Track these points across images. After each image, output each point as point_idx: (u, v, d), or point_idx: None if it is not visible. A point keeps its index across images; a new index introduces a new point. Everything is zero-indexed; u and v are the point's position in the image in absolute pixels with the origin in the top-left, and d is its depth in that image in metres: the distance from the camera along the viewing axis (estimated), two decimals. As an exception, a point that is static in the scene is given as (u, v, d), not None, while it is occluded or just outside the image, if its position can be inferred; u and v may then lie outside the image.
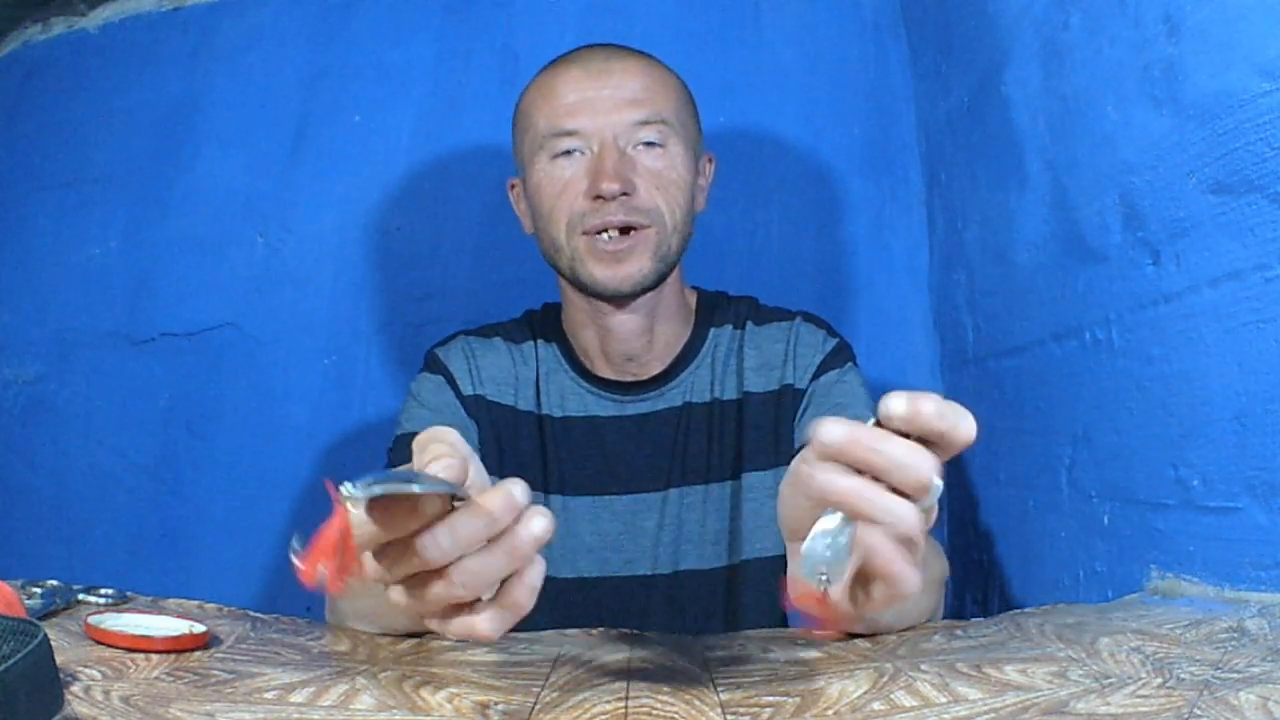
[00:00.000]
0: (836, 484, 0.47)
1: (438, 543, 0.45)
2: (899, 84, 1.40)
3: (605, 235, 0.88)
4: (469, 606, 0.48)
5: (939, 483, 0.47)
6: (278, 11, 1.46)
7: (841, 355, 0.96)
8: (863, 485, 0.47)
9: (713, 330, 0.98)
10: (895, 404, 0.46)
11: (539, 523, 0.47)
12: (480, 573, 0.46)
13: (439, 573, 0.46)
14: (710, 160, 0.99)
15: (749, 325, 0.98)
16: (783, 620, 0.95)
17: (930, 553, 0.75)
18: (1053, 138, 0.94)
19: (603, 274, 0.89)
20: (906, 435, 0.47)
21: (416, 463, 0.48)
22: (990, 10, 1.06)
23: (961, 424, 0.46)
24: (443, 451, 0.47)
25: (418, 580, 0.47)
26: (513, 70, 1.39)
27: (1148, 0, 0.75)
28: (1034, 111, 0.97)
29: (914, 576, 0.49)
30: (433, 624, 0.49)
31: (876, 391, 1.07)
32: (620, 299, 0.91)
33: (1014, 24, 1.01)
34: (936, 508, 0.49)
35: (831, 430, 0.47)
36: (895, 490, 0.47)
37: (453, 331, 1.01)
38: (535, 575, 0.48)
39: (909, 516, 0.47)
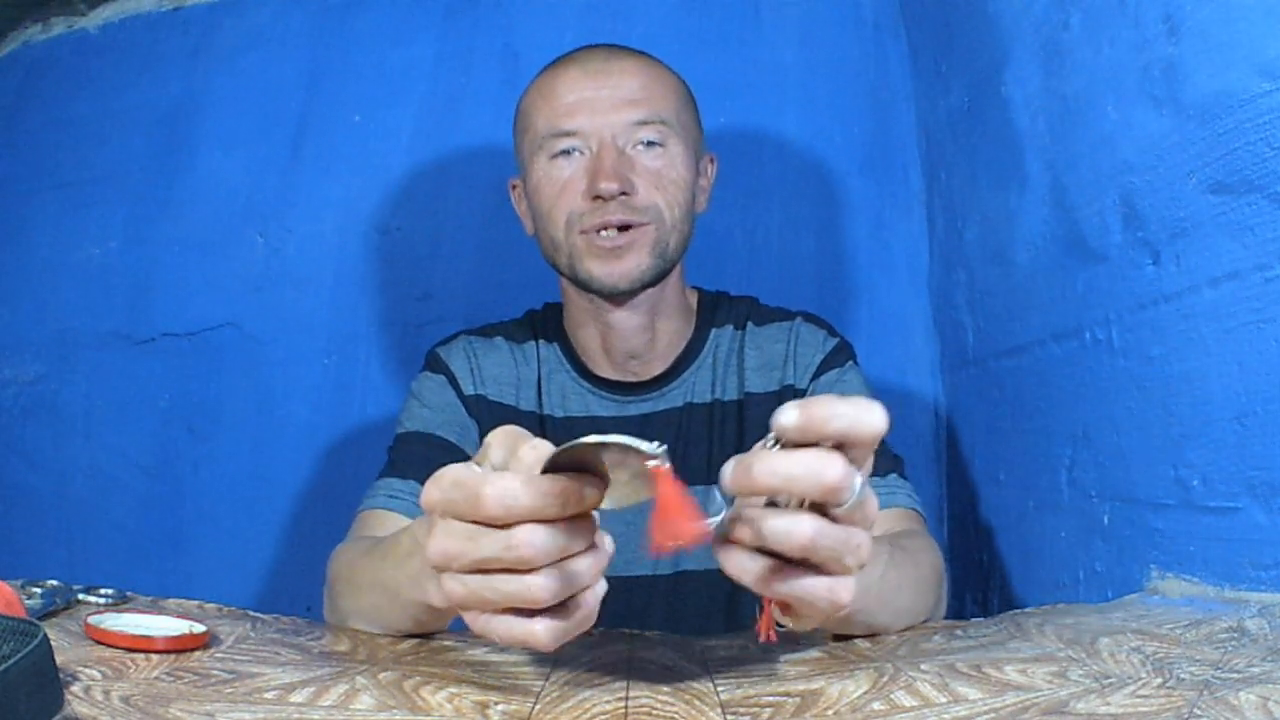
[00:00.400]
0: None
1: (545, 539, 0.46)
2: (899, 84, 1.40)
3: (603, 233, 0.88)
4: (525, 613, 0.48)
5: (854, 482, 0.45)
6: (278, 11, 1.46)
7: (842, 354, 0.96)
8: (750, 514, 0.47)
9: (714, 331, 0.98)
10: (784, 416, 0.44)
11: (609, 541, 0.50)
12: (573, 575, 0.47)
13: (514, 569, 0.47)
14: (712, 160, 0.99)
15: (750, 325, 0.98)
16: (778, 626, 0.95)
17: (919, 551, 0.75)
18: (1053, 138, 0.94)
19: (601, 271, 0.89)
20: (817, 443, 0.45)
21: (505, 453, 0.49)
22: (990, 10, 1.06)
23: (863, 418, 0.44)
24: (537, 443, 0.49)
25: (485, 574, 0.48)
26: (513, 70, 1.40)
27: (1148, 0, 0.75)
28: (1034, 111, 0.97)
29: (822, 590, 0.48)
30: (479, 623, 0.49)
31: (879, 390, 1.07)
32: (619, 296, 0.91)
33: (1014, 24, 1.01)
34: (868, 504, 0.47)
35: (724, 473, 0.46)
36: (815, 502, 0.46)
37: (453, 331, 1.01)
38: (602, 589, 0.50)
39: (794, 532, 0.46)
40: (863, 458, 0.47)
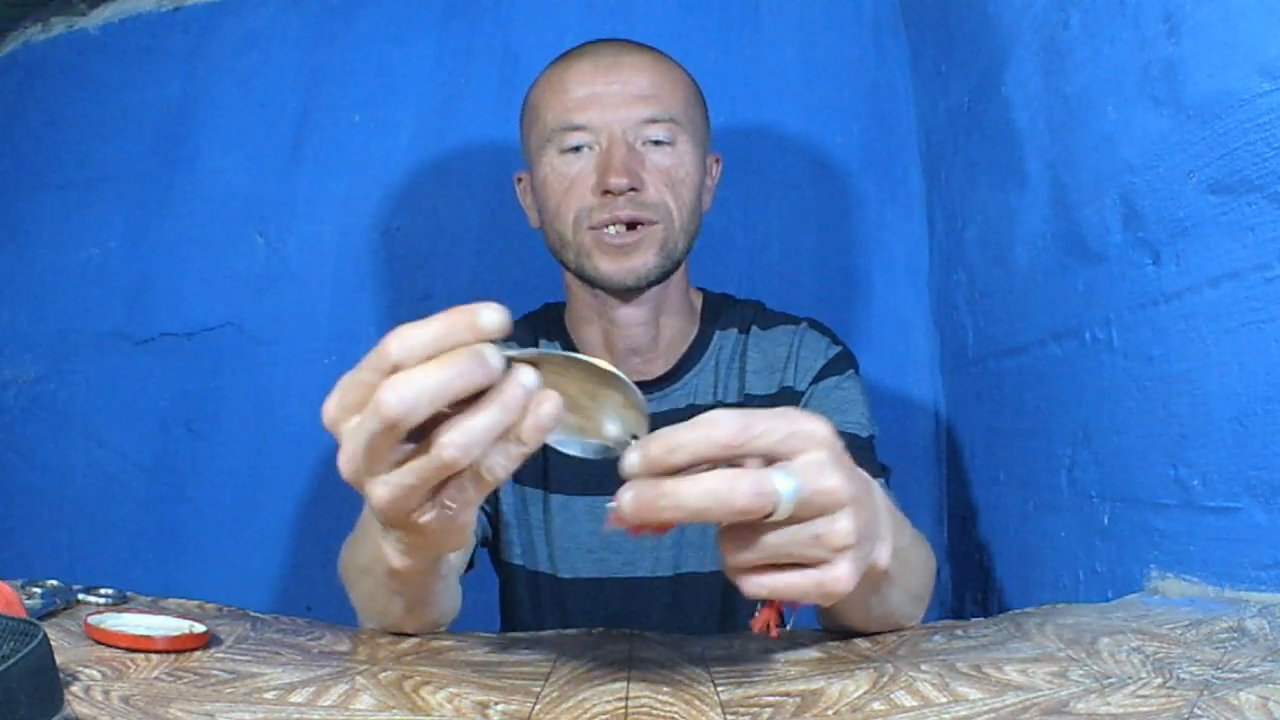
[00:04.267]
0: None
1: (415, 379, 0.42)
2: (899, 84, 1.40)
3: (612, 229, 0.88)
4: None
5: (774, 488, 0.44)
6: (278, 11, 1.46)
7: (843, 362, 0.96)
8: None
9: (717, 333, 0.98)
10: (626, 463, 0.45)
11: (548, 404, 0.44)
12: (472, 429, 0.43)
13: (423, 450, 0.44)
14: (717, 161, 0.99)
15: (754, 329, 0.98)
16: (781, 622, 0.94)
17: (910, 544, 0.75)
18: (1053, 138, 0.94)
19: (608, 267, 0.88)
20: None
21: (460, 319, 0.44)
22: (990, 10, 1.06)
23: (707, 438, 0.44)
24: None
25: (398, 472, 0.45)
26: (513, 70, 1.40)
27: (1148, 0, 0.75)
28: (1034, 111, 0.97)
29: (811, 585, 0.47)
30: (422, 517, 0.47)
31: (879, 391, 1.07)
32: (626, 293, 0.91)
33: (1014, 24, 1.01)
34: (820, 493, 0.46)
35: (621, 500, 0.46)
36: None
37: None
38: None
39: (731, 556, 0.46)
40: (788, 454, 0.46)
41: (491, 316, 0.43)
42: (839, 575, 0.47)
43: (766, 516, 0.46)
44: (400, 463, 0.45)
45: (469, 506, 0.47)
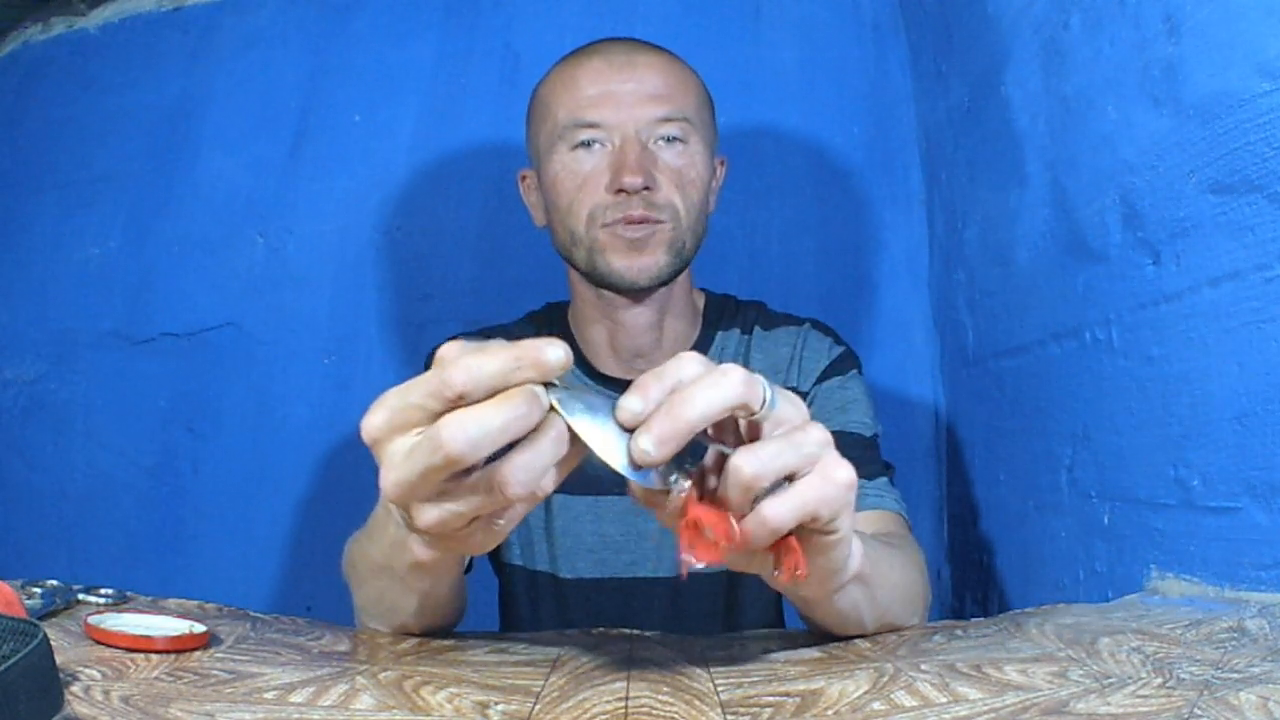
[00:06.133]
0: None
1: (476, 419, 0.43)
2: (899, 84, 1.40)
3: (624, 225, 0.87)
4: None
5: (760, 388, 0.46)
6: (277, 11, 1.46)
7: (846, 362, 0.96)
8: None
9: (720, 334, 0.98)
10: (627, 407, 0.45)
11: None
12: (533, 467, 0.44)
13: (471, 485, 0.45)
14: (722, 163, 0.99)
15: (756, 330, 0.98)
16: (781, 621, 0.94)
17: (905, 548, 0.75)
18: (1053, 138, 0.94)
19: (621, 264, 0.88)
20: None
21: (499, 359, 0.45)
22: (990, 10, 1.06)
23: (689, 359, 0.47)
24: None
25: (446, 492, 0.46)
26: (513, 70, 1.40)
27: (1148, 0, 0.75)
28: (1034, 111, 0.97)
29: (816, 484, 0.48)
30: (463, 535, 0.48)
31: (880, 391, 1.07)
32: (635, 292, 0.90)
33: (1014, 24, 1.01)
34: (790, 403, 0.48)
35: (639, 445, 0.45)
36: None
37: (453, 333, 1.01)
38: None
39: (737, 470, 0.46)
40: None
41: (557, 354, 0.43)
42: (834, 463, 0.48)
43: (759, 407, 0.47)
44: (445, 489, 0.45)
45: (515, 521, 0.49)
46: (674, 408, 0.45)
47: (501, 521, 0.48)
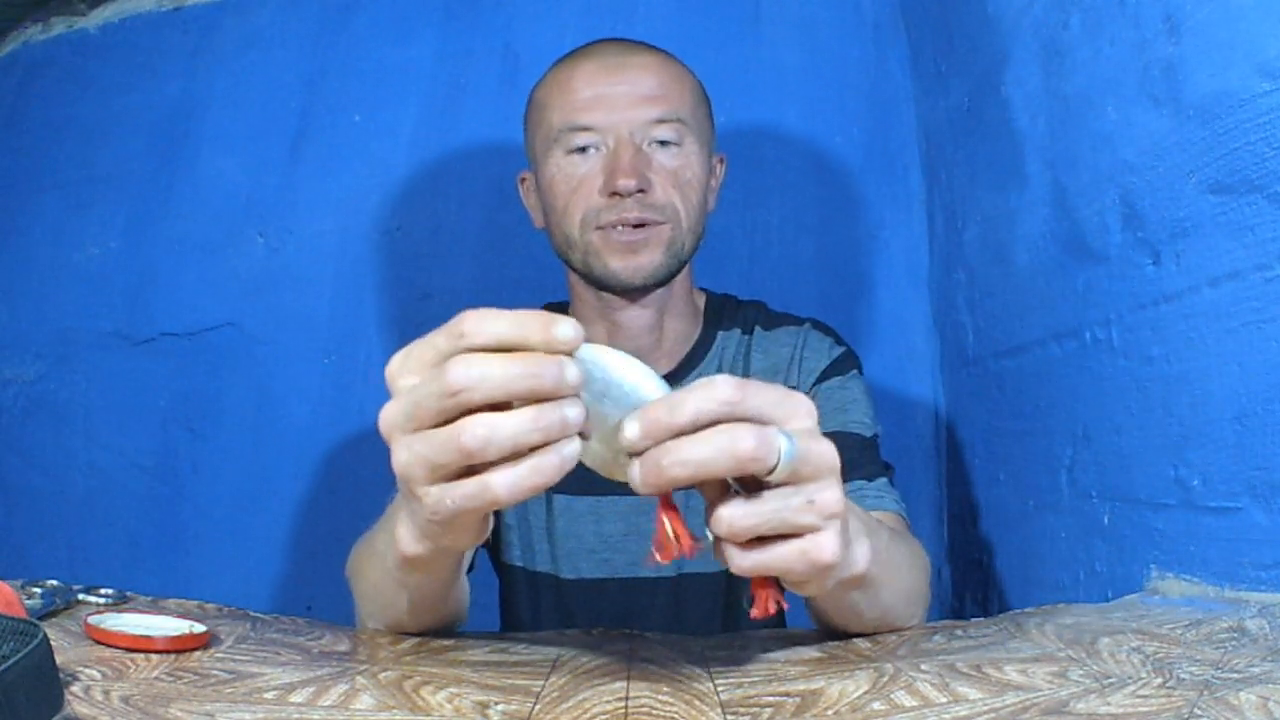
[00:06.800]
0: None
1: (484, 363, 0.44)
2: (899, 84, 1.40)
3: (619, 228, 0.88)
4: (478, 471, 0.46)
5: (777, 443, 0.45)
6: (277, 11, 1.46)
7: (846, 363, 0.96)
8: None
9: (720, 333, 0.98)
10: (628, 430, 0.45)
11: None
12: (497, 425, 0.43)
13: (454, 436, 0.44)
14: (721, 161, 0.99)
15: (757, 330, 0.98)
16: (781, 622, 0.94)
17: (911, 547, 0.75)
18: (1053, 138, 0.94)
19: (616, 265, 0.88)
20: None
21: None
22: (990, 10, 1.06)
23: (711, 396, 0.45)
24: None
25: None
26: (513, 70, 1.40)
27: (1148, 0, 0.75)
28: (1034, 111, 0.97)
29: (794, 556, 0.47)
30: (430, 498, 0.46)
31: (880, 391, 1.07)
32: (632, 292, 0.91)
33: (1014, 24, 1.01)
34: (812, 457, 0.46)
35: (631, 475, 0.46)
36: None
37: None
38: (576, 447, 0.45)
39: (723, 520, 0.46)
40: (781, 419, 0.46)
41: (567, 330, 0.44)
42: (824, 543, 0.48)
43: (766, 474, 0.46)
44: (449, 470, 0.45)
45: (470, 513, 0.47)
46: (666, 459, 0.44)
47: (453, 501, 0.46)
